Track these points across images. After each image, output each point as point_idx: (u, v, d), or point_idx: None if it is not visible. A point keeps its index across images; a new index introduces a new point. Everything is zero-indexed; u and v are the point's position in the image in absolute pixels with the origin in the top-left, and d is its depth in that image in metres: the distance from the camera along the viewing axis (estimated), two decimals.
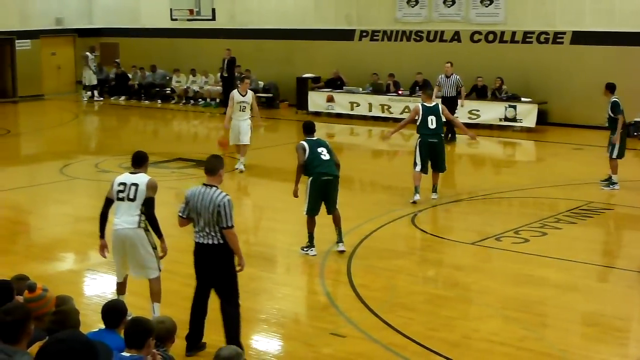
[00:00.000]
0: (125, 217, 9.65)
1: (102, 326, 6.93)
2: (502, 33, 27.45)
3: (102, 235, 9.98)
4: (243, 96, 19.31)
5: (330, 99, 29.86)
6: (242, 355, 6.48)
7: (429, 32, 28.89)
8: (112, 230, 9.79)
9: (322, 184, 12.68)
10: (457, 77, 24.20)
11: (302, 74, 31.05)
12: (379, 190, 18.41)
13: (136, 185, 9.65)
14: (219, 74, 32.39)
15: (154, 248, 9.78)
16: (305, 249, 12.92)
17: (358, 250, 13.12)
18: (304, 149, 12.80)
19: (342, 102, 29.66)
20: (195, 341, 9.11)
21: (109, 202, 9.85)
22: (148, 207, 9.61)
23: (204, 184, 8.91)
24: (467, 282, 11.92)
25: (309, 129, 13.25)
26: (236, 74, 30.60)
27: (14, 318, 5.32)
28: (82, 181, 19.30)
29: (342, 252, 12.79)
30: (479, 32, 27.88)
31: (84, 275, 12.36)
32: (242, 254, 9.00)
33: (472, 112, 26.60)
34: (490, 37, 27.69)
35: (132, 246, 9.71)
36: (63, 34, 37.40)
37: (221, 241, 8.81)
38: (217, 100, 32.70)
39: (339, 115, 29.48)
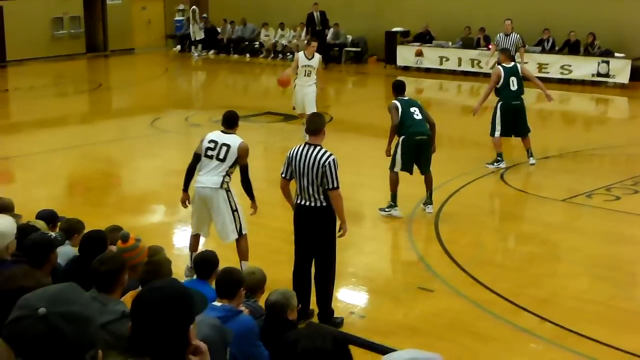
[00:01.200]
0: (209, 177, 9.55)
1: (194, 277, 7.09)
2: None
3: (185, 189, 9.88)
4: (309, 59, 17.89)
5: (419, 53, 29.62)
6: (290, 299, 6.62)
7: None
8: (195, 187, 9.76)
9: (415, 144, 12.55)
10: (518, 35, 23.42)
11: (391, 28, 30.83)
12: (467, 146, 18.24)
13: (228, 146, 9.53)
14: (303, 30, 32.40)
15: (234, 210, 9.62)
16: (387, 210, 12.71)
17: (446, 207, 13.07)
18: (397, 109, 12.67)
19: (431, 57, 29.39)
20: (302, 312, 8.26)
21: (196, 158, 9.74)
22: (243, 173, 9.52)
23: (307, 143, 8.60)
24: (557, 239, 11.79)
25: (399, 89, 13.08)
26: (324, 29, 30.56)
27: (109, 268, 5.47)
28: (172, 135, 19.56)
29: (429, 213, 12.69)
30: None
31: (175, 227, 12.58)
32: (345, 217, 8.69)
33: (564, 67, 26.10)
34: None
35: (212, 207, 9.61)
36: None
37: (324, 203, 8.54)
38: None
39: (427, 70, 29.25)
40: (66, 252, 7.51)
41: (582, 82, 25.91)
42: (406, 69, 29.57)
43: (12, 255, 5.79)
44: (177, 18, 37.71)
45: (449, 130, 19.43)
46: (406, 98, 12.91)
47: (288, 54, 33.46)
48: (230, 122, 9.80)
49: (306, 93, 17.86)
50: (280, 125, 20.02)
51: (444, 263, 10.64)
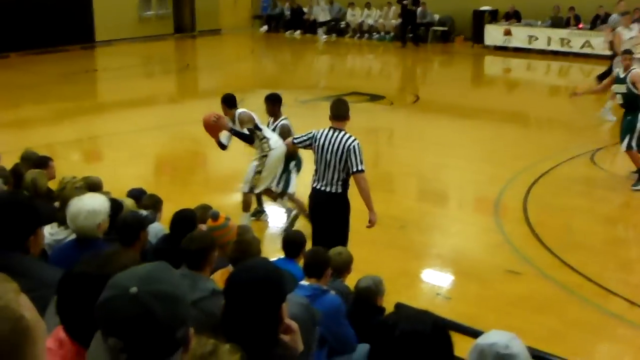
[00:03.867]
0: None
1: (281, 255, 7.16)
2: None
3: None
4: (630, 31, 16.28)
5: (507, 33, 29.25)
6: (380, 285, 6.69)
7: None
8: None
9: None
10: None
11: (479, 7, 30.49)
12: (556, 127, 17.97)
13: None
14: (390, 9, 32.25)
15: (258, 172, 10.85)
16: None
17: (534, 188, 12.92)
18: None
19: (519, 36, 28.99)
20: None
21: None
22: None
23: (331, 127, 8.54)
24: None
25: None
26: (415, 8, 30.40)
27: (198, 246, 5.54)
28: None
29: None
30: None
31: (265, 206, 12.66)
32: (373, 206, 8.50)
33: None
34: None
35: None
36: None
37: (339, 190, 8.50)
38: (392, 34, 32.58)
39: (516, 50, 28.87)
40: (156, 229, 7.66)
41: None
42: (494, 48, 29.23)
43: (104, 234, 5.88)
44: None
45: (537, 110, 19.21)
46: None
47: (374, 33, 33.38)
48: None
49: None
50: (365, 106, 20.00)
51: (532, 245, 10.54)
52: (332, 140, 8.44)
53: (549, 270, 9.66)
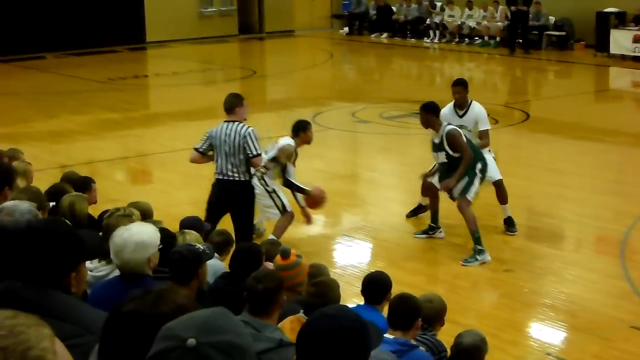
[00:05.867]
0: None
1: (359, 301, 7.15)
2: None
3: None
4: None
5: (637, 39, 28.90)
6: (486, 344, 6.63)
7: None
8: None
9: None
10: None
11: (603, 8, 30.20)
12: None
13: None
14: (497, 9, 32.17)
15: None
16: None
17: None
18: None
19: None
20: None
21: None
22: None
23: (225, 121, 10.55)
24: None
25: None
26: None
27: (266, 286, 5.54)
28: (336, 132, 19.74)
29: None
30: None
31: (337, 242, 12.70)
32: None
33: None
34: None
35: None
36: None
37: (244, 178, 10.59)
38: (497, 39, 32.45)
39: None
40: (213, 267, 7.70)
41: None
42: (622, 57, 28.91)
43: (154, 271, 5.92)
44: None
45: None
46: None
47: (476, 38, 33.24)
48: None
49: None
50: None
51: None
52: (228, 132, 10.47)
53: None
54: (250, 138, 10.38)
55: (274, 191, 11.75)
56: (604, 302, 10.65)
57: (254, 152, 10.38)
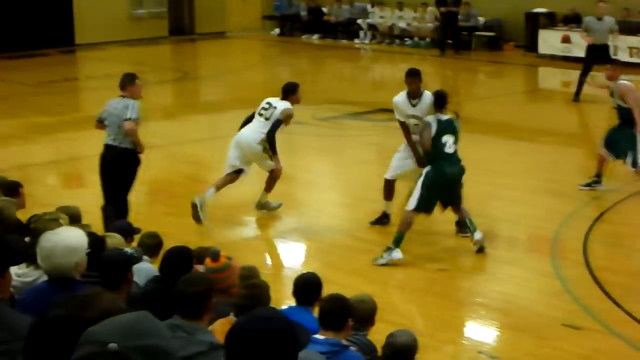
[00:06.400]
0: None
1: (292, 303, 7.11)
2: None
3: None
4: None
5: (566, 39, 29.22)
6: (417, 342, 6.64)
7: None
8: None
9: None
10: (612, 20, 22.84)
11: (533, 9, 30.49)
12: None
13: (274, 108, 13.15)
14: (426, 11, 32.37)
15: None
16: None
17: (598, 225, 12.85)
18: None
19: (581, 43, 28.87)
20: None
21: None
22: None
23: (120, 95, 11.84)
24: None
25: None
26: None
27: (196, 290, 5.51)
28: None
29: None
30: None
31: (272, 244, 12.67)
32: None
33: None
34: None
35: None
36: None
37: (122, 145, 11.69)
38: (428, 40, 32.64)
39: (577, 60, 28.77)
40: (145, 270, 7.63)
41: None
42: (551, 57, 29.20)
43: (82, 275, 5.86)
44: None
45: (600, 132, 19.11)
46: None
47: (407, 38, 33.39)
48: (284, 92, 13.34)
49: None
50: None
51: (595, 295, 10.45)
52: (116, 105, 11.80)
53: (615, 325, 9.57)
54: (131, 107, 11.63)
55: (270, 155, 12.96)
56: (536, 301, 10.73)
57: (127, 116, 11.54)
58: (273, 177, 13.16)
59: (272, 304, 6.72)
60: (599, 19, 22.47)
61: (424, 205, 11.43)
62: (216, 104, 24.39)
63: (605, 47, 22.67)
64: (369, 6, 34.83)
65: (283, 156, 14.14)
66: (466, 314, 10.05)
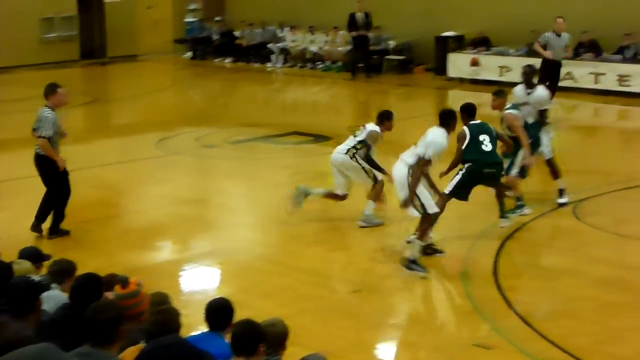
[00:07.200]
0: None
1: (205, 328, 7.05)
2: None
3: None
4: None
5: (474, 63, 29.55)
6: None
7: None
8: None
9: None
10: (569, 35, 23.33)
11: (442, 32, 30.79)
12: (533, 171, 18.08)
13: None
14: (337, 35, 32.57)
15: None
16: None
17: (508, 244, 12.97)
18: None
19: (489, 66, 29.27)
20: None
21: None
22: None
23: (45, 105, 13.05)
24: None
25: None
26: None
27: (106, 317, 5.44)
28: (182, 157, 19.60)
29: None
30: None
31: (184, 268, 12.56)
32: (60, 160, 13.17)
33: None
34: None
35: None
36: None
37: (39, 152, 13.12)
38: (339, 63, 32.79)
39: (485, 82, 29.06)
40: (55, 298, 7.51)
41: None
42: (459, 80, 29.51)
43: None
44: (188, 19, 37.96)
45: None
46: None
47: (318, 62, 33.52)
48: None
49: None
50: (308, 148, 20.02)
51: (504, 314, 10.52)
52: (38, 114, 13.02)
53: (525, 344, 9.63)
54: (43, 121, 12.95)
55: (365, 167, 13.77)
56: (447, 321, 10.81)
57: (38, 133, 12.96)
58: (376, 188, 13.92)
59: (185, 330, 6.66)
60: (558, 34, 22.77)
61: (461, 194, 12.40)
62: (127, 127, 24.22)
63: (558, 65, 23.13)
64: (278, 30, 34.95)
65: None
66: (379, 335, 10.06)
